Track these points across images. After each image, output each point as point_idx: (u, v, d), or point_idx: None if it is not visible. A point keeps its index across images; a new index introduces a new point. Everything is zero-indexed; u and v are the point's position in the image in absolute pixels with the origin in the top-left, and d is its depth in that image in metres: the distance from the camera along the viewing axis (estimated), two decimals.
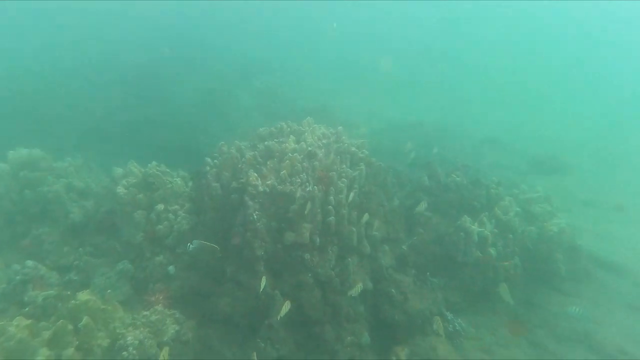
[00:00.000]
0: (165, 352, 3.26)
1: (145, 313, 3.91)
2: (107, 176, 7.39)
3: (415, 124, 13.78)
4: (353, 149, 5.05)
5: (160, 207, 4.88)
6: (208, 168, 4.89)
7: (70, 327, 3.27)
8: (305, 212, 4.22)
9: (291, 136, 4.95)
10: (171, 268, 4.62)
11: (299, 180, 4.41)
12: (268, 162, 4.65)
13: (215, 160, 4.91)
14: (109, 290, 4.02)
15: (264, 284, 3.73)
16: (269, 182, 4.44)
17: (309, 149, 4.66)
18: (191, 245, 4.20)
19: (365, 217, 4.52)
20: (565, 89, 23.39)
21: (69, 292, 4.06)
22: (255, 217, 4.27)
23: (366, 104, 16.21)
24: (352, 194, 4.54)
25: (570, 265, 5.62)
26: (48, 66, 15.37)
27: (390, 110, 16.28)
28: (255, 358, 3.44)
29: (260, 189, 4.37)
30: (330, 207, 4.34)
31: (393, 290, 4.42)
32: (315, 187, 4.32)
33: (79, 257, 4.71)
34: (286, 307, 3.56)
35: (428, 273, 4.88)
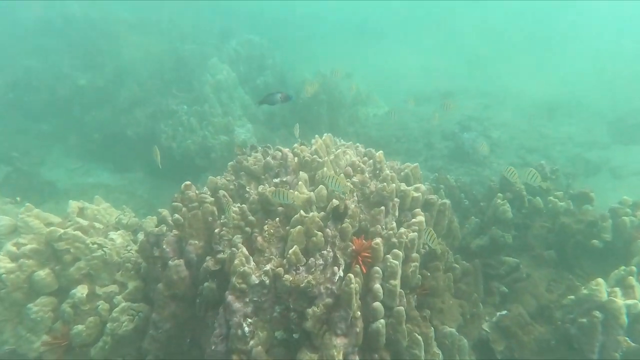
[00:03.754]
0: None
1: None
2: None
3: (446, 94, 12.04)
4: (403, 187, 3.53)
5: (81, 292, 3.37)
6: (165, 229, 3.37)
7: None
8: (335, 318, 2.82)
9: (301, 173, 3.40)
10: None
11: (321, 261, 2.93)
12: (266, 226, 3.14)
13: (176, 215, 3.38)
14: None
15: None
16: (268, 266, 2.96)
17: (334, 200, 3.14)
18: None
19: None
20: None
21: None
22: (245, 331, 2.84)
23: (377, 73, 14.29)
24: (412, 269, 3.13)
25: None
26: None
27: (409, 79, 14.40)
28: None
29: (254, 279, 2.90)
30: (376, 303, 2.93)
31: None
32: (349, 274, 2.87)
33: None
34: None
35: None
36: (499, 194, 4.34)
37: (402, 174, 3.76)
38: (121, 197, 7.95)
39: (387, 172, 3.38)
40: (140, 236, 3.95)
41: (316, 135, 4.36)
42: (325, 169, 3.40)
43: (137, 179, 9.19)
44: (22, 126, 9.20)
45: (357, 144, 4.21)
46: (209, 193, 3.59)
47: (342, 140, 4.29)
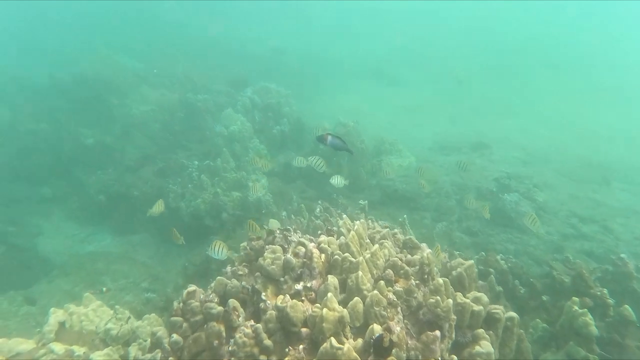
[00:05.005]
0: None
1: None
2: None
3: (478, 145, 11.48)
4: (459, 297, 2.91)
5: None
6: (159, 356, 2.81)
7: None
8: None
9: (330, 279, 2.84)
10: None
11: None
12: (287, 357, 2.55)
13: (174, 337, 2.83)
14: None
15: None
16: None
17: (375, 326, 2.54)
18: None
19: None
20: None
21: None
22: None
23: (399, 119, 13.99)
24: None
25: None
26: None
27: (434, 127, 13.93)
28: None
29: None
30: None
31: None
32: None
33: None
34: None
35: None
36: (575, 299, 3.61)
37: (453, 273, 3.15)
38: (122, 269, 7.51)
39: (440, 280, 2.78)
40: (133, 351, 3.39)
41: (344, 215, 3.87)
42: (360, 273, 2.84)
43: (141, 242, 8.80)
44: (23, 193, 9.11)
45: (395, 229, 3.65)
46: (216, 300, 3.05)
47: (377, 224, 3.74)
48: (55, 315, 3.55)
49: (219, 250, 4.01)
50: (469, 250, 7.50)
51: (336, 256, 2.99)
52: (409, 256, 3.18)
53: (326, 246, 3.10)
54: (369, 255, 3.01)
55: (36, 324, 6.05)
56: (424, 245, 3.55)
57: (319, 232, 3.89)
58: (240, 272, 3.46)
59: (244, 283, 3.34)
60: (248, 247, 3.70)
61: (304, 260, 3.05)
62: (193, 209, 8.41)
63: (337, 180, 5.85)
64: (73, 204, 9.38)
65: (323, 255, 3.07)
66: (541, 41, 24.92)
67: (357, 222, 3.30)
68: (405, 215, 6.16)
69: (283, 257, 3.06)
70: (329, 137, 4.64)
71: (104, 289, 6.79)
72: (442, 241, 7.58)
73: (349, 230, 3.62)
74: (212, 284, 3.27)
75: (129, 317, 3.96)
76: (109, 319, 3.84)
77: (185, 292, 3.03)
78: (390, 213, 8.95)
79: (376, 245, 3.09)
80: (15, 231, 7.59)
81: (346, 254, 2.98)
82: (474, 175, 9.19)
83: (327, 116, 12.54)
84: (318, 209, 6.13)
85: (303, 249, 3.07)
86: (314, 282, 2.95)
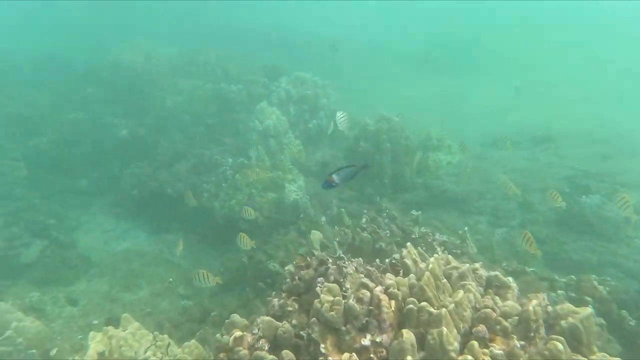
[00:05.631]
0: None
1: None
2: None
3: (542, 138, 10.31)
4: None
5: None
6: None
7: None
8: None
9: (406, 335, 2.30)
10: None
11: None
12: None
13: None
14: None
15: None
16: None
17: None
18: None
19: None
20: None
21: None
22: None
23: (444, 111, 12.96)
24: None
25: None
26: None
27: (487, 119, 12.79)
28: None
29: None
30: None
31: None
32: None
33: None
34: None
35: None
36: None
37: (563, 324, 2.51)
38: (157, 271, 7.36)
39: (558, 344, 2.17)
40: None
41: (408, 244, 3.29)
42: (444, 329, 2.28)
43: (175, 241, 8.65)
44: (62, 184, 9.18)
45: (475, 263, 3.03)
46: (266, 347, 2.62)
47: (452, 259, 3.12)
48: (95, 344, 3.30)
49: (204, 279, 4.57)
50: (536, 261, 6.75)
51: (410, 305, 2.45)
52: (500, 304, 2.58)
53: (396, 290, 2.56)
54: (452, 305, 2.44)
55: (78, 328, 6.07)
56: (512, 282, 2.93)
57: (379, 263, 3.35)
58: (289, 308, 3.02)
59: (294, 322, 2.90)
60: (297, 277, 3.24)
61: (369, 307, 2.53)
62: (228, 210, 8.11)
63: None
64: (108, 198, 9.37)
65: (393, 302, 2.54)
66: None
67: (432, 258, 2.73)
68: (466, 228, 5.51)
69: (343, 302, 2.56)
70: (335, 177, 3.88)
71: (170, 279, 7.02)
72: (504, 250, 6.85)
73: (414, 262, 3.07)
74: (259, 323, 2.84)
75: (169, 344, 3.66)
76: (148, 346, 3.56)
77: (232, 337, 2.61)
78: (439, 217, 8.27)
79: (461, 292, 2.51)
80: (56, 224, 7.65)
81: (423, 303, 2.43)
82: (538, 173, 8.29)
83: (367, 108, 11.86)
84: (364, 219, 5.60)
85: (368, 294, 2.55)
86: (384, 336, 2.43)
